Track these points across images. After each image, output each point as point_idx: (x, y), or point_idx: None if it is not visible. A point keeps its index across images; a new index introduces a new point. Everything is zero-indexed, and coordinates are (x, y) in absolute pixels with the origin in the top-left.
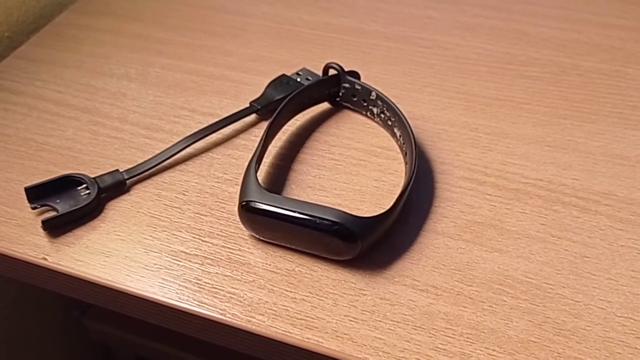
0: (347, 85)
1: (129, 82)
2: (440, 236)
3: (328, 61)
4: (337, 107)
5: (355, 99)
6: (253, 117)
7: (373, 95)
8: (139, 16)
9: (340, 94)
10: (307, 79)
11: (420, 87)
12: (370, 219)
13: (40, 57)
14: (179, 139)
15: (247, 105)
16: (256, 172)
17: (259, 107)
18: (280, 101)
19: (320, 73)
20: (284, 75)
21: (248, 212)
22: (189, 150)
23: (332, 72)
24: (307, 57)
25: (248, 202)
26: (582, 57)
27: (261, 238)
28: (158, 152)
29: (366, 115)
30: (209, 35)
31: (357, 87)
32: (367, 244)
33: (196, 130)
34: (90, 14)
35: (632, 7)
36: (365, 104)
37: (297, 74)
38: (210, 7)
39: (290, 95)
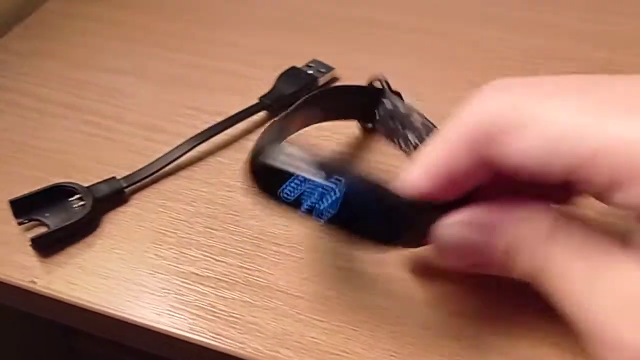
0: (389, 106)
1: (124, 76)
2: None
3: (340, 54)
4: (367, 131)
5: (391, 123)
6: (263, 115)
7: (417, 121)
8: (134, 4)
9: (378, 116)
10: (320, 72)
11: (452, 82)
12: None
13: (24, 49)
14: (182, 141)
15: (257, 101)
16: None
17: (270, 103)
18: (292, 95)
19: (333, 65)
20: (294, 67)
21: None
22: (194, 153)
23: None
24: (317, 49)
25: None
26: (619, 51)
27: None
28: (159, 155)
29: (395, 142)
30: (210, 25)
31: (400, 109)
32: None
33: (201, 130)
34: (80, 1)
35: None
36: (402, 130)
37: (308, 65)
38: None
39: (314, 92)
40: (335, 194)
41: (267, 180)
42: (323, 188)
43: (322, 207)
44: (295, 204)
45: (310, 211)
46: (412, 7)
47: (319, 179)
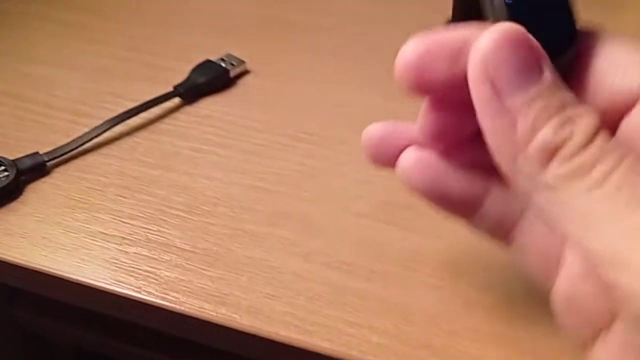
0: None
1: (58, 69)
2: (356, 217)
3: (252, 49)
4: None
5: None
6: (177, 102)
7: None
8: (71, 4)
9: None
10: (232, 64)
11: (343, 75)
12: None
13: None
14: (102, 122)
15: (171, 89)
16: None
17: (183, 91)
18: (204, 85)
19: (244, 59)
20: (208, 60)
21: None
22: (113, 134)
23: None
24: (231, 45)
25: None
26: None
27: None
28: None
29: None
30: (139, 23)
31: None
32: None
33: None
34: (20, 1)
35: None
36: None
37: (222, 59)
38: None
39: None
40: None
41: None
42: None
43: None
44: None
45: None
46: (319, 7)
47: None
